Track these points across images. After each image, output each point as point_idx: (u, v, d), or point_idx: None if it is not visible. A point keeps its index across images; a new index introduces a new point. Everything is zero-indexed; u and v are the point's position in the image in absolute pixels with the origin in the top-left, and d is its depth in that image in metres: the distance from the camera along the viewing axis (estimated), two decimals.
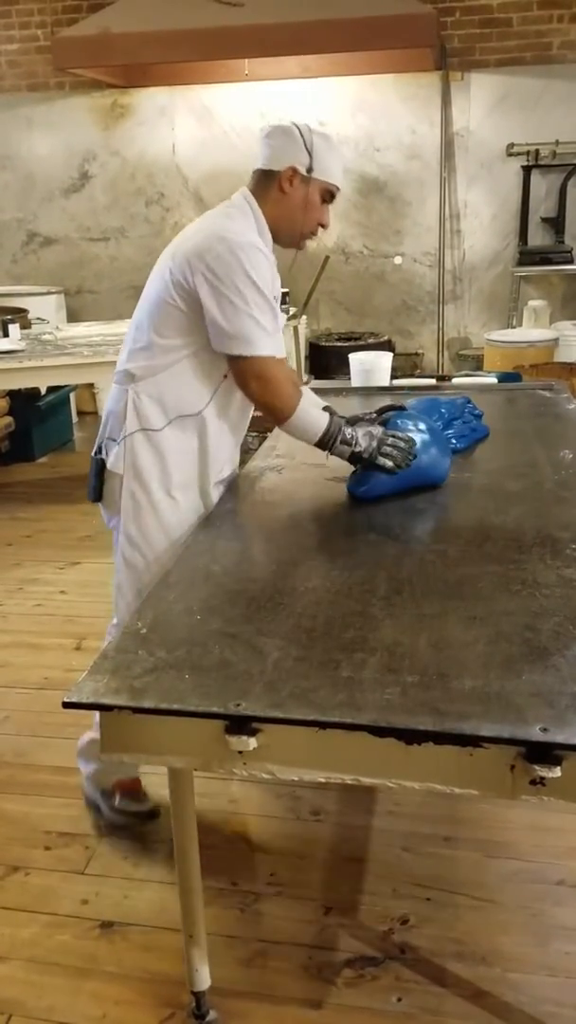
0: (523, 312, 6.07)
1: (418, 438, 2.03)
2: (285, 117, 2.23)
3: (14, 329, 4.71)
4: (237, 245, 1.90)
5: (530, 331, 5.77)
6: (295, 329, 5.85)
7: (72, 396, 6.08)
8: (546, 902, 1.95)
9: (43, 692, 2.87)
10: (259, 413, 2.09)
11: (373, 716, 1.16)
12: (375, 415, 2.12)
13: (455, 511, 2.01)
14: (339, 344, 6.11)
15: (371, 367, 3.11)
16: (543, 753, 1.10)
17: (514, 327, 6.05)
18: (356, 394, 3.01)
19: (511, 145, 5.96)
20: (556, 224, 6.06)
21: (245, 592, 1.57)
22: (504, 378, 3.66)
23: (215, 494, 2.13)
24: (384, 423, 2.06)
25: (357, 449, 2.00)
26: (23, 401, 5.37)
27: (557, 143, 5.84)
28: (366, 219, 6.38)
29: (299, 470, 2.30)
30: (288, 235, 2.07)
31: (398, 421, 2.06)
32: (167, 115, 6.39)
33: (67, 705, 1.22)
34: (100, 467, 2.08)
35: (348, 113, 6.16)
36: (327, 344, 6.22)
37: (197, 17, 5.16)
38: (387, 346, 5.97)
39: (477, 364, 5.78)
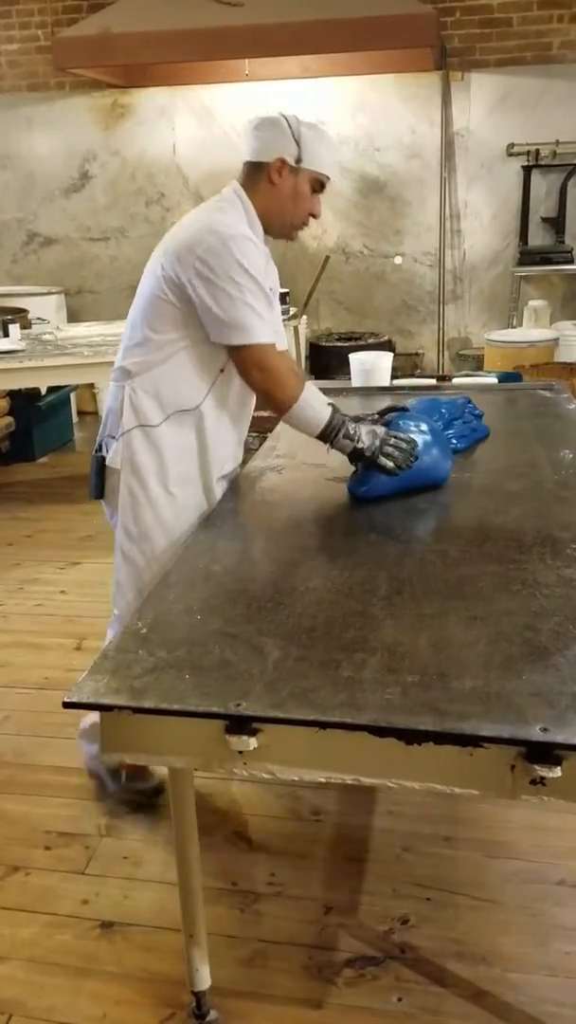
0: (523, 312, 6.07)
1: (420, 439, 2.03)
2: None
3: (14, 329, 4.71)
4: (227, 236, 1.91)
5: (530, 331, 5.77)
6: (295, 329, 5.85)
7: (72, 396, 6.08)
8: (546, 902, 1.95)
9: (43, 692, 2.87)
10: (262, 413, 2.10)
11: (373, 716, 1.16)
12: (377, 416, 2.12)
13: (455, 511, 2.01)
14: (339, 344, 6.11)
15: (371, 367, 3.11)
16: (543, 753, 1.10)
17: (514, 327, 6.05)
18: (356, 394, 3.01)
19: (511, 145, 5.96)
20: (556, 224, 6.05)
21: (245, 592, 1.57)
22: (504, 378, 3.66)
23: (219, 489, 2.14)
24: (387, 424, 2.06)
25: (360, 445, 1.99)
26: (23, 401, 5.37)
27: (557, 143, 5.84)
28: (366, 219, 6.38)
29: (299, 470, 2.30)
30: (279, 226, 2.07)
31: (399, 422, 2.06)
32: (167, 115, 6.39)
33: (67, 705, 1.22)
34: (100, 464, 2.11)
35: (348, 113, 6.16)
36: (327, 344, 6.22)
37: (197, 17, 5.16)
38: (387, 346, 5.97)
39: (477, 364, 5.78)
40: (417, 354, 6.52)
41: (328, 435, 2.01)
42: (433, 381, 3.59)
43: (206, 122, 6.32)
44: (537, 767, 1.10)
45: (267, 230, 2.06)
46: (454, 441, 2.30)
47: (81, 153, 6.58)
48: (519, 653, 1.31)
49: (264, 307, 1.96)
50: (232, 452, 2.19)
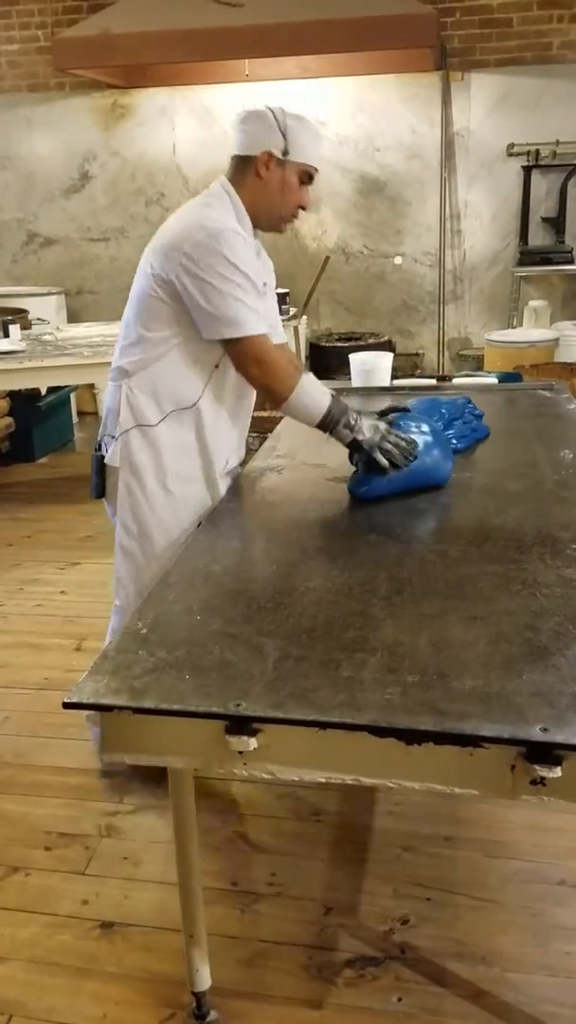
0: (523, 312, 6.07)
1: (420, 440, 2.03)
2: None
3: (14, 329, 4.71)
4: (213, 231, 1.91)
5: (530, 331, 5.77)
6: (295, 329, 5.85)
7: (72, 396, 6.08)
8: (546, 902, 1.95)
9: (43, 692, 2.87)
10: (262, 413, 2.10)
11: (373, 716, 1.16)
12: (378, 416, 2.12)
13: (456, 511, 2.01)
14: (339, 344, 6.11)
15: (371, 367, 3.11)
16: (543, 753, 1.10)
17: (514, 327, 6.05)
18: (356, 394, 3.01)
19: (511, 145, 5.96)
20: (556, 224, 6.05)
21: (245, 592, 1.57)
22: (504, 378, 3.66)
23: (223, 485, 2.15)
24: (389, 424, 2.06)
25: (360, 437, 1.99)
26: (23, 401, 5.37)
27: (557, 143, 5.84)
28: (366, 219, 6.38)
29: (299, 470, 2.30)
30: (268, 219, 2.07)
31: (400, 422, 2.06)
32: (167, 115, 6.39)
33: (67, 705, 1.22)
34: (100, 464, 2.13)
35: (348, 113, 6.16)
36: (327, 344, 6.22)
37: (197, 17, 5.16)
38: (387, 346, 5.97)
39: (477, 364, 5.78)
40: (417, 354, 6.52)
41: (328, 425, 2.01)
42: (433, 381, 3.59)
43: (206, 122, 6.32)
44: (537, 767, 1.10)
45: (256, 223, 2.06)
46: (454, 441, 2.30)
47: (81, 153, 6.58)
48: (519, 653, 1.31)
49: (255, 300, 1.96)
50: (234, 447, 2.20)
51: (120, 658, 1.32)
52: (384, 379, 3.13)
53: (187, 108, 6.34)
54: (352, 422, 1.99)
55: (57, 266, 6.80)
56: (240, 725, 1.18)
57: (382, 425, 2.01)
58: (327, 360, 5.98)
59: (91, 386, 5.20)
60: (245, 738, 1.18)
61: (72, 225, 6.73)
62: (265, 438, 2.62)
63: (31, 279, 6.80)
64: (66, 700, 1.22)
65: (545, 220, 6.10)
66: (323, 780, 1.22)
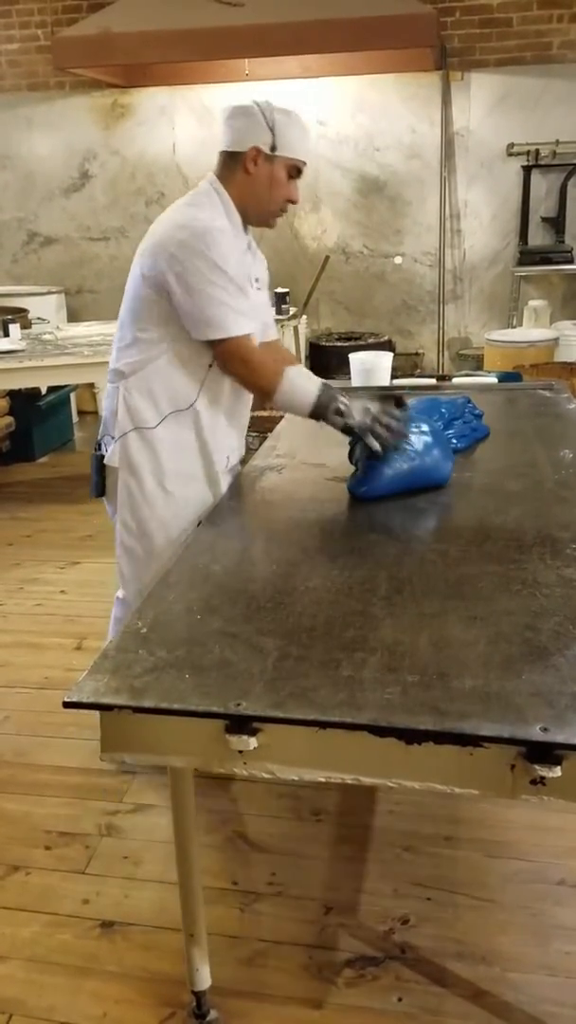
0: (523, 312, 6.07)
1: (420, 440, 2.03)
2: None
3: (14, 329, 4.71)
4: (198, 231, 1.91)
5: (530, 331, 5.77)
6: (295, 329, 5.85)
7: (72, 396, 6.08)
8: (546, 902, 1.95)
9: (43, 692, 2.87)
10: (262, 413, 2.11)
11: (373, 716, 1.16)
12: (380, 400, 2.10)
13: (455, 511, 2.01)
14: (339, 344, 6.11)
15: (371, 367, 3.11)
16: (543, 753, 1.10)
17: (514, 327, 6.05)
18: (356, 394, 3.00)
19: (511, 145, 5.96)
20: (556, 224, 6.05)
21: (245, 591, 1.57)
22: (504, 378, 3.67)
23: (224, 482, 2.16)
24: (399, 407, 2.04)
25: (351, 422, 1.99)
26: (23, 401, 5.37)
27: (557, 143, 5.84)
28: (366, 219, 6.38)
29: (299, 470, 2.30)
30: (257, 214, 2.07)
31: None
32: (167, 115, 6.39)
33: (67, 705, 1.22)
34: (100, 463, 2.14)
35: (348, 113, 6.15)
36: (327, 344, 6.22)
37: (197, 17, 5.16)
38: (387, 346, 5.97)
39: (477, 364, 5.78)
40: (417, 354, 6.52)
41: (318, 413, 2.02)
42: (433, 381, 3.59)
43: (206, 122, 6.31)
44: (537, 767, 1.10)
45: (245, 219, 2.06)
46: (454, 441, 2.30)
47: (81, 153, 6.58)
48: (519, 653, 1.31)
49: (239, 300, 1.96)
50: (234, 446, 2.20)
51: (120, 657, 1.32)
52: (384, 379, 3.13)
53: (187, 107, 6.34)
54: (342, 408, 1.99)
55: (57, 265, 6.80)
56: (240, 724, 1.18)
57: (373, 407, 2.00)
58: (327, 360, 5.98)
59: (91, 385, 5.20)
60: (245, 737, 1.18)
61: (72, 224, 6.73)
62: (265, 438, 2.62)
63: (31, 278, 6.80)
64: (66, 699, 1.22)
65: (545, 220, 6.10)
66: (323, 780, 1.22)
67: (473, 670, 1.26)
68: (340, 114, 6.14)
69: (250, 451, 2.37)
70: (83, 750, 2.50)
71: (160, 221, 2.03)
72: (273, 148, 1.97)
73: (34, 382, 4.94)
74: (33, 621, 3.41)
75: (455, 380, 3.66)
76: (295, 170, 2.03)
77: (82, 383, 5.57)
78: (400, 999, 1.72)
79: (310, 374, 2.05)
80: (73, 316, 6.55)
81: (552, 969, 1.78)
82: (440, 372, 6.20)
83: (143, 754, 1.29)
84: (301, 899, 1.99)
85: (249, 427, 2.26)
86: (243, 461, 2.31)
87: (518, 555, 1.67)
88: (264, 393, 2.04)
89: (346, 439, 2.08)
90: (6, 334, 4.67)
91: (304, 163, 2.05)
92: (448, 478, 2.09)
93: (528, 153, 5.92)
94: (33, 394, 5.43)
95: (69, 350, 4.51)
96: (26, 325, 5.26)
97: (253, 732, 1.18)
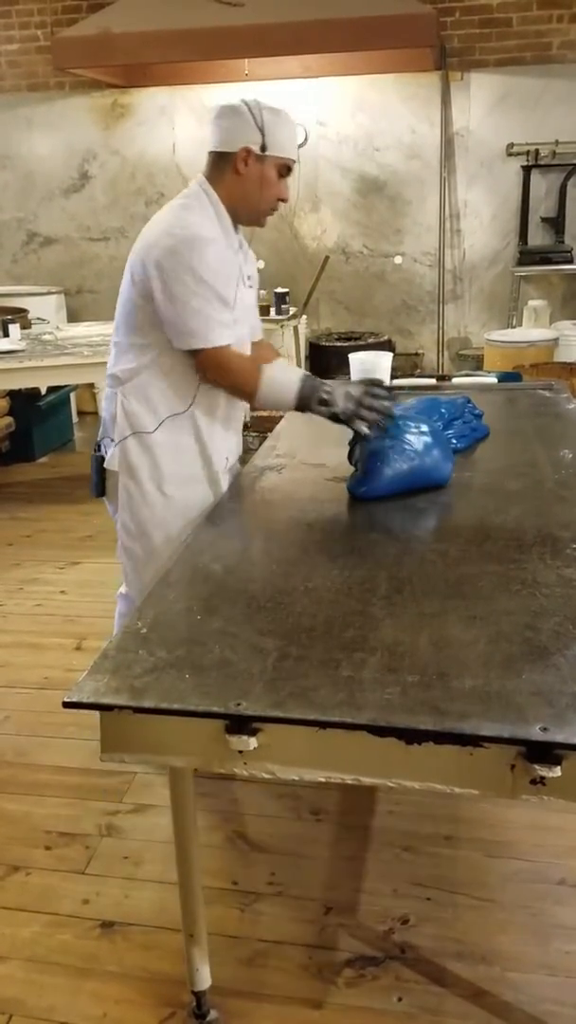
0: (523, 312, 6.07)
1: (420, 440, 2.03)
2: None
3: (14, 329, 4.71)
4: (184, 238, 1.91)
5: (530, 331, 5.77)
6: (295, 329, 5.85)
7: (72, 396, 6.08)
8: (546, 901, 1.95)
9: (43, 692, 2.87)
10: (261, 413, 2.12)
11: (373, 716, 1.16)
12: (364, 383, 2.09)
13: (455, 510, 2.01)
14: (339, 344, 6.11)
15: (371, 367, 3.10)
16: (543, 752, 1.10)
17: (514, 327, 6.05)
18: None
19: (511, 145, 5.96)
20: (556, 224, 6.05)
21: (245, 591, 1.57)
22: (504, 378, 3.67)
23: (224, 481, 2.17)
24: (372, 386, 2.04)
25: (335, 409, 1.99)
26: (23, 401, 5.37)
27: (557, 143, 5.84)
28: (366, 219, 6.38)
29: (299, 470, 2.30)
30: (247, 214, 2.07)
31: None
32: (167, 115, 6.39)
33: (67, 705, 1.22)
34: (100, 464, 2.16)
35: (348, 113, 6.15)
36: (327, 344, 6.22)
37: (197, 17, 5.16)
38: (387, 346, 5.97)
39: (477, 364, 5.78)
40: (417, 354, 6.52)
41: (303, 405, 2.02)
42: (433, 381, 3.59)
43: (206, 122, 6.26)
44: (537, 766, 1.10)
45: (236, 219, 2.06)
46: (454, 441, 2.30)
47: (81, 153, 6.58)
48: (519, 653, 1.31)
49: (220, 312, 1.96)
50: (233, 445, 2.21)
51: (120, 657, 1.32)
52: (384, 379, 3.12)
53: (187, 108, 6.34)
54: (325, 397, 1.99)
55: (57, 265, 6.80)
56: (240, 724, 1.18)
57: (354, 390, 1.99)
58: (327, 359, 5.98)
59: (91, 385, 5.20)
60: (245, 737, 1.18)
61: (72, 225, 6.73)
62: (265, 438, 2.62)
63: (31, 279, 6.80)
64: (66, 699, 1.22)
65: (545, 220, 6.10)
66: (323, 779, 1.22)
67: (473, 670, 1.26)
68: (340, 114, 6.14)
69: (250, 451, 2.37)
70: (83, 750, 2.50)
71: (151, 225, 2.02)
72: (263, 148, 1.96)
73: (34, 382, 4.94)
74: (33, 621, 3.41)
75: (455, 380, 3.66)
76: (285, 169, 2.03)
77: (82, 383, 5.57)
78: (400, 999, 1.72)
79: (290, 367, 2.05)
80: (73, 316, 6.56)
81: (552, 969, 1.78)
82: (440, 372, 6.20)
83: (143, 754, 1.29)
84: (301, 899, 1.99)
85: (249, 427, 2.27)
86: (243, 461, 2.32)
87: (518, 555, 1.67)
88: (247, 396, 2.05)
89: (345, 440, 2.09)
90: (6, 334, 4.67)
91: (294, 161, 2.04)
92: (448, 478, 2.09)
93: (528, 153, 5.92)
94: (33, 394, 5.43)
95: (69, 350, 4.51)
96: (26, 325, 5.26)
97: (253, 732, 1.18)
